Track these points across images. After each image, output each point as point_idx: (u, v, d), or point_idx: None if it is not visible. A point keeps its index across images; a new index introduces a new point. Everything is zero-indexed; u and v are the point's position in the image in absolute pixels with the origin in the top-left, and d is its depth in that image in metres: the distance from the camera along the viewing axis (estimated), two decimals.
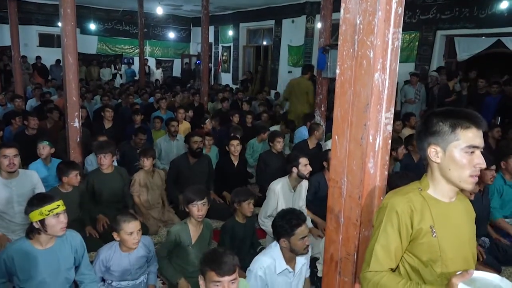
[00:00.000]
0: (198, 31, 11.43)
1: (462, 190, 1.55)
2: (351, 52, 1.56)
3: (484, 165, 1.42)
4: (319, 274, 3.07)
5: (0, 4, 10.78)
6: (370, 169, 1.58)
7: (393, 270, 1.52)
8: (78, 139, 4.30)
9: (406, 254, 1.52)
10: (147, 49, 15.46)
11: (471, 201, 1.72)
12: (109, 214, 3.72)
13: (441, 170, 1.47)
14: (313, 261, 3.15)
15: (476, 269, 1.39)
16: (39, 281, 2.33)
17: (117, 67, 14.87)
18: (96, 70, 14.07)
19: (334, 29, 4.87)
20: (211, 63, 15.18)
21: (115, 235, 2.60)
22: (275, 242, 2.54)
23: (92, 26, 14.76)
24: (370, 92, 1.52)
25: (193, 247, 2.95)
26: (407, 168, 4.42)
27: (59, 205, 2.30)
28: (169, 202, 4.45)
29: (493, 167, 3.62)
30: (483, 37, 7.92)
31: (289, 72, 11.99)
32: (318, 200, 3.78)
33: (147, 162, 4.08)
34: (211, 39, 13.70)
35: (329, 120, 6.16)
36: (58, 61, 12.50)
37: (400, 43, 1.56)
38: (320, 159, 4.06)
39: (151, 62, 15.37)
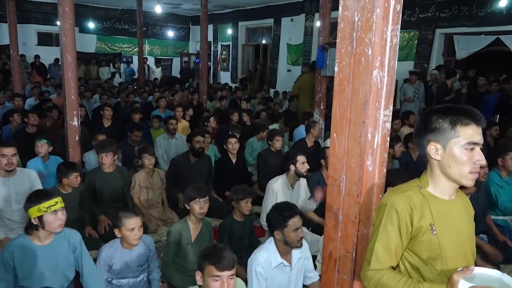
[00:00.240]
0: (197, 30, 11.41)
1: (462, 188, 1.55)
2: (349, 50, 1.56)
3: (484, 162, 1.41)
4: (318, 272, 3.07)
5: None
6: (368, 166, 1.58)
7: (393, 268, 1.51)
8: (77, 138, 4.29)
9: (406, 252, 1.52)
10: (146, 47, 15.44)
11: None
12: (109, 214, 3.70)
13: (441, 167, 1.47)
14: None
15: (476, 265, 1.39)
16: (38, 277, 2.33)
17: (116, 65, 14.85)
18: (95, 69, 14.07)
19: (333, 27, 4.85)
20: (210, 61, 15.19)
21: (116, 231, 2.61)
22: (270, 238, 2.57)
23: (91, 25, 14.74)
24: (368, 89, 1.51)
25: (193, 245, 2.94)
26: (406, 166, 4.42)
27: (57, 202, 2.30)
28: (168, 201, 4.43)
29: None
30: (482, 35, 7.91)
31: (288, 70, 11.98)
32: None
33: (149, 161, 4.06)
34: (210, 37, 13.74)
35: (328, 118, 6.15)
36: (56, 60, 12.50)
37: (398, 41, 1.55)
38: (317, 157, 4.06)
39: (150, 61, 15.35)
